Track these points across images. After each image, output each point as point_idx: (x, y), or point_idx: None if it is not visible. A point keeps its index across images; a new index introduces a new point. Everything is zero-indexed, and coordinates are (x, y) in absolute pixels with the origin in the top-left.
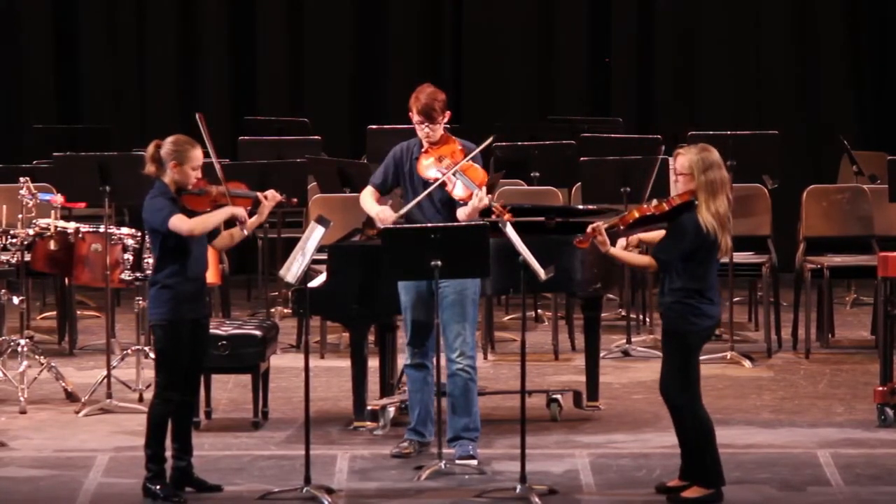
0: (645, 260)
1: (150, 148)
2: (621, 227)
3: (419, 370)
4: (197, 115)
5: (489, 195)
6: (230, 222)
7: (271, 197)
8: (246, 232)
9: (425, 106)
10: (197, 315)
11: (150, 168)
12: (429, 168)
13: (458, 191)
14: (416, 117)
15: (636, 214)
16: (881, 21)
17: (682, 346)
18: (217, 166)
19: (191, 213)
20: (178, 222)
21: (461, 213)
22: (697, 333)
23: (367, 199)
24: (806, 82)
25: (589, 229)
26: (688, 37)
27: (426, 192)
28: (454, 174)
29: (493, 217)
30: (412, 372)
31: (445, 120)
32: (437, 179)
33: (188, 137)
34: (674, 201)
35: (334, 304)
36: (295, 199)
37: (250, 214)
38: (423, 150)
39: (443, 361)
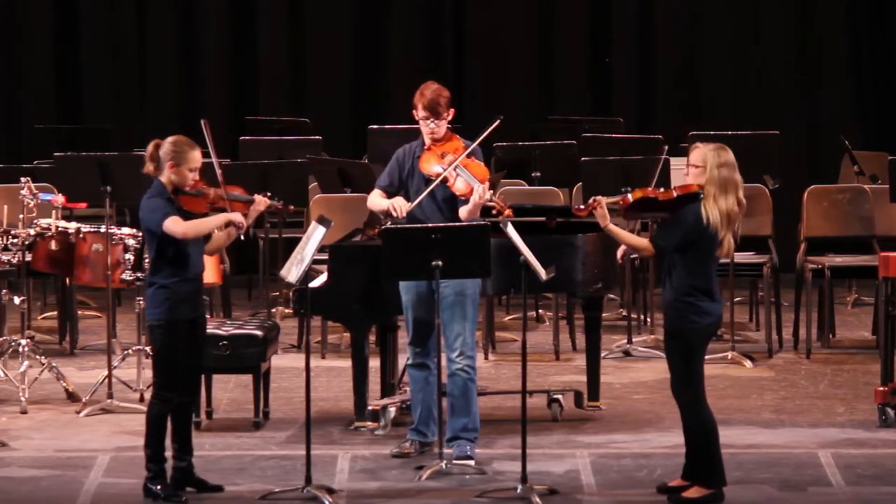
0: (642, 242)
1: (150, 147)
2: (622, 206)
3: (421, 370)
4: (202, 122)
5: (491, 191)
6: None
7: (260, 201)
8: (241, 237)
9: (431, 101)
10: (194, 315)
11: (148, 167)
12: (431, 165)
13: (459, 185)
14: (420, 113)
15: (639, 194)
16: (882, 21)
17: (683, 345)
18: (218, 170)
19: (187, 214)
20: (172, 225)
21: (463, 210)
22: (698, 332)
23: (377, 198)
24: (806, 82)
25: (591, 200)
26: (688, 37)
27: (431, 187)
28: (455, 169)
29: (494, 212)
30: (414, 372)
31: (450, 117)
32: (438, 175)
33: (188, 139)
34: (679, 190)
35: (335, 304)
36: (292, 207)
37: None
38: (425, 148)
39: (443, 361)
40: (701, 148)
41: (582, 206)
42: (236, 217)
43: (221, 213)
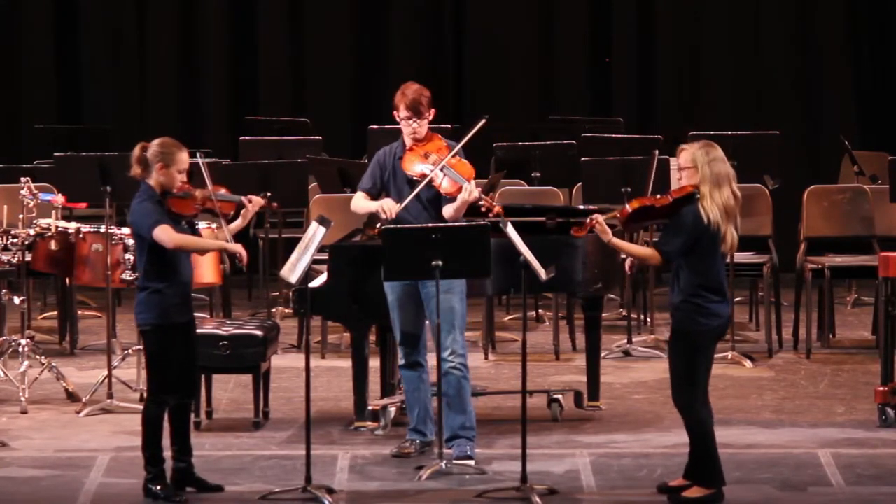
0: (647, 251)
1: (136, 150)
2: (620, 218)
3: (413, 369)
4: (198, 154)
5: (479, 188)
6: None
7: (255, 202)
8: (244, 268)
9: (413, 101)
10: (185, 318)
11: (135, 170)
12: (415, 165)
13: (445, 185)
14: (402, 113)
15: (636, 204)
16: (882, 21)
17: (687, 345)
18: (206, 175)
19: (176, 216)
20: (164, 235)
21: (449, 209)
22: (705, 333)
23: (361, 200)
24: (806, 82)
25: (588, 219)
26: (688, 37)
27: (418, 189)
28: (441, 169)
29: (483, 209)
30: (406, 372)
31: (431, 117)
32: (424, 175)
33: (174, 140)
34: (675, 194)
35: (335, 304)
36: (275, 204)
37: (234, 218)
38: (407, 148)
39: (435, 361)
40: (688, 149)
41: (579, 226)
42: (238, 248)
43: (221, 242)
